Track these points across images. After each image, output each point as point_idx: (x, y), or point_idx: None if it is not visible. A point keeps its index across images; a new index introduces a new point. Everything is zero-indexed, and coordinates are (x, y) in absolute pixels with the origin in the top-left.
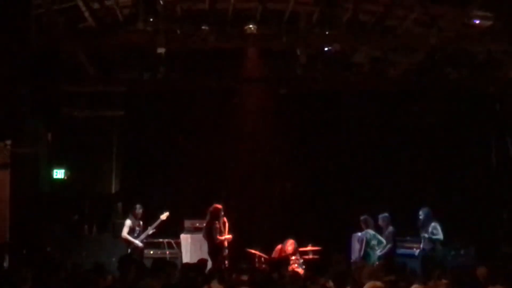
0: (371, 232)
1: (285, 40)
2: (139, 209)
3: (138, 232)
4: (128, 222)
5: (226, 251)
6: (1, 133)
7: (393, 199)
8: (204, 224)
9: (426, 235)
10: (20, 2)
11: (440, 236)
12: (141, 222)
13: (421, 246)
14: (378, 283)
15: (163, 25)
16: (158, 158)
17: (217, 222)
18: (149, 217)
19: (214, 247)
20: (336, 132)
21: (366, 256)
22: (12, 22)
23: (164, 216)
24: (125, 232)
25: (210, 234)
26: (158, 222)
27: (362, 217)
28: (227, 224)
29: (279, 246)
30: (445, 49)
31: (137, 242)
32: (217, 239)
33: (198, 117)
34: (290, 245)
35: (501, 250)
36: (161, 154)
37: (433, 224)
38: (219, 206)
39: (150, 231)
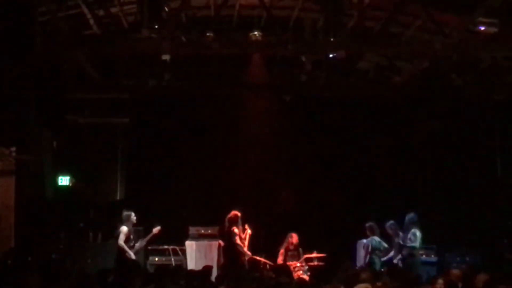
0: (376, 239)
1: (290, 47)
2: (134, 217)
3: (132, 240)
4: (124, 229)
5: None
6: (6, 140)
7: (398, 206)
8: (224, 231)
9: (401, 242)
10: (25, 9)
11: (416, 243)
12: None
13: (397, 252)
14: (363, 285)
15: (168, 32)
16: (163, 164)
17: (235, 227)
18: (152, 224)
19: (234, 252)
20: (341, 139)
21: (371, 263)
22: (17, 29)
23: (156, 230)
24: (121, 240)
25: (230, 239)
26: (149, 236)
27: (367, 224)
28: (248, 231)
29: (281, 251)
30: (450, 56)
31: (131, 253)
32: (237, 244)
33: (203, 123)
34: (294, 237)
35: (506, 256)
36: (166, 160)
37: (413, 230)
38: (238, 212)
39: (142, 244)
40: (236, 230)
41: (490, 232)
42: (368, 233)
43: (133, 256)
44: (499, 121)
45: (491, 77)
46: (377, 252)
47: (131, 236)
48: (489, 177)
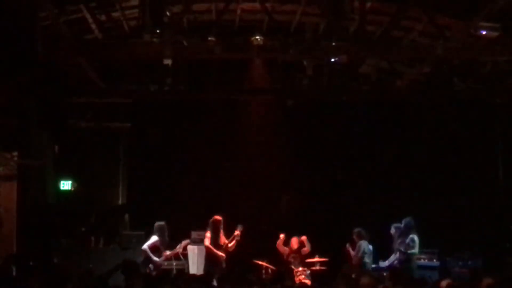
0: (366, 243)
1: (291, 51)
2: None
3: (162, 250)
4: (154, 238)
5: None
6: (8, 145)
7: (399, 210)
8: None
9: (402, 249)
10: (26, 14)
11: (416, 249)
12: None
13: (396, 258)
14: None
15: (170, 36)
16: (165, 169)
17: (209, 231)
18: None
19: (207, 256)
20: (343, 143)
21: (363, 265)
22: (18, 34)
23: (185, 242)
24: (146, 245)
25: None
26: (178, 248)
27: (355, 230)
28: (236, 236)
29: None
30: (452, 60)
31: (156, 258)
32: (206, 246)
33: (204, 128)
34: (293, 242)
35: (508, 261)
36: (168, 165)
37: (411, 236)
38: (218, 217)
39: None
40: (208, 234)
41: (492, 236)
42: (355, 239)
43: (159, 260)
44: (501, 125)
45: (493, 81)
46: (367, 255)
47: (160, 248)
48: (491, 180)
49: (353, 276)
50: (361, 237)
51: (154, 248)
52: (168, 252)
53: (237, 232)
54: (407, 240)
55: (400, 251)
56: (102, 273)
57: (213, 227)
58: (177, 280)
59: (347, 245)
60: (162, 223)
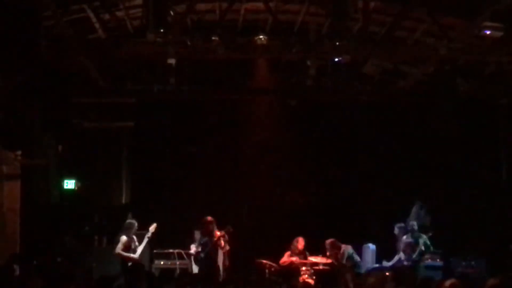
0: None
1: (295, 51)
2: (136, 226)
3: (133, 249)
4: (123, 238)
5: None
6: (11, 144)
7: (402, 210)
8: None
9: (428, 241)
10: (29, 14)
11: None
12: (134, 237)
13: (403, 258)
14: None
15: (173, 36)
16: (168, 169)
17: (198, 232)
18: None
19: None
20: (346, 143)
21: (356, 265)
22: (21, 33)
23: (152, 228)
24: (118, 249)
25: None
26: (147, 236)
27: (328, 241)
28: (222, 235)
29: (287, 253)
30: (456, 60)
31: (133, 255)
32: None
33: (208, 128)
34: (301, 242)
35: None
36: (171, 165)
37: (423, 235)
38: (207, 218)
39: (143, 246)
40: (196, 235)
41: (495, 236)
42: (331, 249)
43: (135, 256)
44: (504, 126)
45: (497, 81)
46: (354, 253)
47: (132, 245)
48: (495, 180)
49: (349, 276)
50: (337, 247)
51: (126, 248)
52: (140, 246)
53: (222, 233)
54: (421, 240)
55: (414, 248)
56: (105, 273)
57: (201, 228)
58: (180, 279)
59: (327, 255)
60: (132, 221)
